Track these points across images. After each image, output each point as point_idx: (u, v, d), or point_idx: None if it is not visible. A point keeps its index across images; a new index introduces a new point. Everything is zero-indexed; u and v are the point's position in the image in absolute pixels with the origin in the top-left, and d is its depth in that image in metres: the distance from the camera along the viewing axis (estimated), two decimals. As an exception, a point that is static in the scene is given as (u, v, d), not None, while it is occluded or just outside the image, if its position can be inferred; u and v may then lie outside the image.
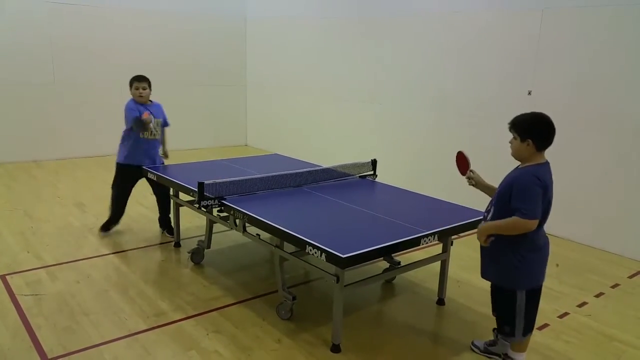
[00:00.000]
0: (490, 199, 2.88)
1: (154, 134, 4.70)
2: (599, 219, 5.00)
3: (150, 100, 4.77)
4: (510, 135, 2.75)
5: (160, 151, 4.92)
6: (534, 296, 2.76)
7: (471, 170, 3.13)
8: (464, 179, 3.23)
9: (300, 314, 3.46)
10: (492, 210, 2.77)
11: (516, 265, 2.67)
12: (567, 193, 5.18)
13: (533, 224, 2.53)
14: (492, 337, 3.11)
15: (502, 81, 5.62)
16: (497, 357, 3.01)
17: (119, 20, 8.23)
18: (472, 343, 3.17)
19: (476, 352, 3.11)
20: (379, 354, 3.09)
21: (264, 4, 9.18)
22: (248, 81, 9.83)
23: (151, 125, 4.57)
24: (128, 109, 4.62)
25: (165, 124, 4.91)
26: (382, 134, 7.11)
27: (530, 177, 2.56)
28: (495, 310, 2.91)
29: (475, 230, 2.88)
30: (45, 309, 3.45)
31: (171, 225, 4.85)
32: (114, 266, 4.19)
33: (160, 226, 5.04)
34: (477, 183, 3.06)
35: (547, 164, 2.68)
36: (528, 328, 2.79)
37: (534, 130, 2.61)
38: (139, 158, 4.68)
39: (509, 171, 2.80)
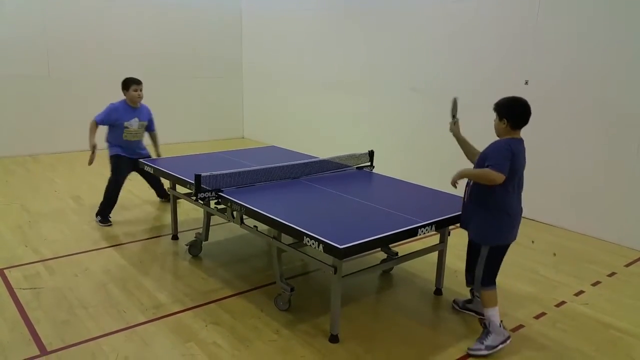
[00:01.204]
0: (463, 155, 3.38)
1: (137, 136, 4.97)
2: (595, 208, 5.01)
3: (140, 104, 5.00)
4: None
5: (152, 153, 5.18)
6: (497, 253, 3.06)
7: (455, 118, 3.47)
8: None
9: (298, 305, 3.47)
10: None
11: (486, 223, 3.01)
12: (564, 182, 5.20)
13: (499, 177, 2.86)
14: (477, 309, 3.39)
15: (499, 71, 5.61)
16: (472, 314, 3.42)
17: (114, 13, 8.18)
18: (454, 301, 3.57)
19: (456, 309, 3.51)
20: (377, 344, 3.10)
21: (260, -5, 9.14)
22: (245, 73, 9.80)
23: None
24: (109, 109, 4.83)
25: (150, 128, 5.14)
26: (380, 125, 7.10)
27: (502, 143, 2.97)
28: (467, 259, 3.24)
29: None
30: (44, 302, 3.46)
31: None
32: (112, 259, 4.19)
33: (162, 196, 5.46)
34: (455, 133, 3.41)
35: (521, 140, 3.04)
36: (487, 280, 3.08)
37: (510, 111, 2.98)
38: (123, 151, 4.96)
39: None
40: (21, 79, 7.58)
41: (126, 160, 4.94)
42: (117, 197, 4.99)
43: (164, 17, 8.69)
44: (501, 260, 3.10)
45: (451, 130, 3.43)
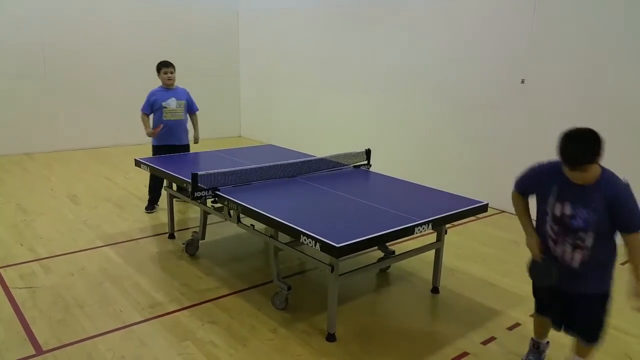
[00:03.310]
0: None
1: (176, 115, 5.20)
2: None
3: (176, 85, 5.26)
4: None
5: (190, 136, 5.45)
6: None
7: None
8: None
9: (295, 303, 3.47)
10: (587, 229, 2.53)
11: (608, 272, 2.70)
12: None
13: None
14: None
15: (495, 70, 5.61)
16: None
17: (110, 12, 8.15)
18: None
19: None
20: (374, 342, 3.10)
21: (257, -7, 9.13)
22: (241, 72, 9.78)
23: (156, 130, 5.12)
24: (148, 95, 5.16)
25: (191, 108, 5.43)
26: (377, 124, 7.10)
27: (625, 186, 2.45)
28: (587, 321, 2.71)
29: (470, 218, 2.96)
30: (40, 301, 3.44)
31: None
32: (109, 258, 4.18)
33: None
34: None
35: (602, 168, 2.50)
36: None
37: (599, 150, 2.37)
38: (167, 138, 5.16)
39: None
40: (17, 78, 7.54)
41: (162, 152, 5.08)
42: (159, 189, 5.21)
43: (160, 16, 8.67)
44: None
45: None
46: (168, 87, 5.18)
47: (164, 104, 5.10)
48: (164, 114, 5.12)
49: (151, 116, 5.20)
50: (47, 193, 5.88)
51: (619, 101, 4.72)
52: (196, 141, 5.48)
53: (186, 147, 5.31)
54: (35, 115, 7.77)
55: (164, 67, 5.13)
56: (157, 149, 5.19)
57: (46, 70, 7.76)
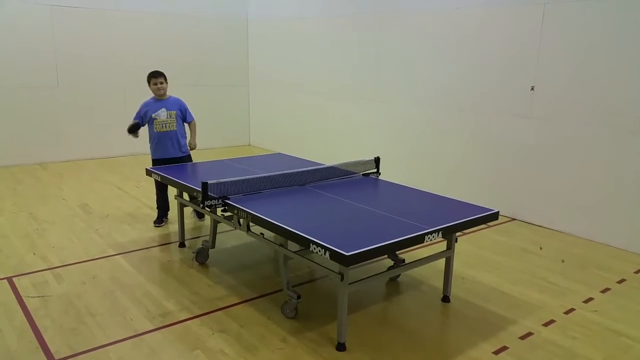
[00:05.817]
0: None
1: (167, 126, 5.04)
2: (604, 214, 4.97)
3: (169, 95, 5.15)
4: None
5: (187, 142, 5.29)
6: None
7: None
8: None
9: (305, 312, 3.47)
10: None
11: None
12: (571, 188, 5.18)
13: None
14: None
15: (505, 77, 5.60)
16: None
17: (121, 22, 8.26)
18: None
19: None
20: (384, 351, 3.09)
21: (265, 4, 9.19)
22: (251, 81, 9.85)
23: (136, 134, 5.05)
24: (140, 106, 5.09)
25: (186, 118, 5.23)
26: (386, 132, 7.10)
27: None
28: None
29: (480, 226, 2.96)
30: (52, 310, 3.47)
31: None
32: (120, 267, 4.20)
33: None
34: None
35: None
36: None
37: None
38: (161, 151, 5.06)
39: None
40: (30, 88, 7.65)
41: (161, 164, 4.96)
42: (165, 203, 5.24)
43: (171, 27, 8.76)
44: None
45: None
46: (159, 98, 5.05)
47: (153, 115, 4.97)
48: (155, 126, 5.00)
49: (146, 129, 5.12)
50: (59, 202, 5.94)
51: (631, 108, 4.68)
52: (191, 147, 5.26)
53: (186, 159, 5.16)
54: (48, 125, 7.87)
55: (152, 77, 4.99)
56: (155, 163, 5.07)
57: (59, 80, 7.86)
